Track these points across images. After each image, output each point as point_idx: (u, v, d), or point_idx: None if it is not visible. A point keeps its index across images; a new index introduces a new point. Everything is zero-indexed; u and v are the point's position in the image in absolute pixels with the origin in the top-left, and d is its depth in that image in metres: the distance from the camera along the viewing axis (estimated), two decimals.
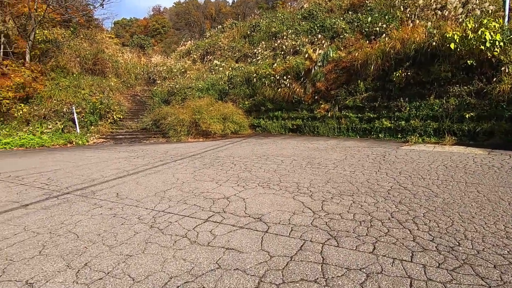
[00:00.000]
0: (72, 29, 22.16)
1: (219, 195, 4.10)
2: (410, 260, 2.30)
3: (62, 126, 13.46)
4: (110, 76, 19.11)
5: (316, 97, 13.54)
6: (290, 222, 3.09)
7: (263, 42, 19.92)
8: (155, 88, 19.57)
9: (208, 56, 24.54)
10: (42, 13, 16.50)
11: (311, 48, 14.91)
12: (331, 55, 13.47)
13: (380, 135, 11.03)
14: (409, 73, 10.64)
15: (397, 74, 10.81)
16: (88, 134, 13.07)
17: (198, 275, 2.14)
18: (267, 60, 17.80)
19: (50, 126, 13.33)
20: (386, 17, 13.94)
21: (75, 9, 28.36)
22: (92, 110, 14.34)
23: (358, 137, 11.57)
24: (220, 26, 31.76)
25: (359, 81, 12.02)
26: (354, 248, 2.50)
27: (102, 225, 3.11)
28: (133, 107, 17.23)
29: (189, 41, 32.42)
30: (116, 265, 2.29)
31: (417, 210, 3.37)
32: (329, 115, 12.62)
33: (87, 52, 19.38)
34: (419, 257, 2.34)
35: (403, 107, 10.64)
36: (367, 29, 14.47)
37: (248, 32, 24.08)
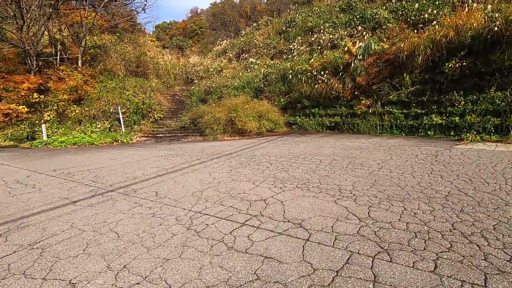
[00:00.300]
0: (118, 34, 23.73)
1: (256, 197, 3.96)
2: (483, 284, 1.93)
3: (109, 126, 14.42)
4: (151, 77, 20.06)
5: (356, 93, 12.81)
6: (333, 230, 2.83)
7: (299, 38, 19.43)
8: (193, 87, 20.13)
9: (243, 54, 24.61)
10: (91, 20, 17.81)
11: (350, 41, 14.14)
12: (372, 47, 12.63)
13: (429, 132, 10.08)
14: (464, 63, 9.54)
15: (449, 65, 9.76)
16: (131, 133, 13.82)
17: (236, 287, 2.00)
18: (303, 56, 17.32)
19: (99, 126, 14.35)
20: (436, 2, 12.69)
21: (121, 16, 30.27)
22: (135, 110, 15.16)
23: (404, 134, 10.70)
24: (255, 24, 31.71)
25: (404, 74, 11.10)
26: (411, 265, 2.18)
27: (141, 225, 3.14)
28: (173, 106, 17.89)
29: (225, 40, 32.91)
30: (154, 269, 2.25)
31: (485, 221, 2.90)
32: (370, 112, 11.86)
33: (131, 55, 20.59)
34: (495, 281, 1.95)
35: (457, 101, 9.58)
36: (413, 18, 13.33)
37: (284, 28, 23.69)
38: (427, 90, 10.48)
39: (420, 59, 10.60)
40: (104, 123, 14.51)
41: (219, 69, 22.79)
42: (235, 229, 2.94)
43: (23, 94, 14.55)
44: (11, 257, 2.50)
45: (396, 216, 3.11)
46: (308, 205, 3.54)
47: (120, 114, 14.35)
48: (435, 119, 9.95)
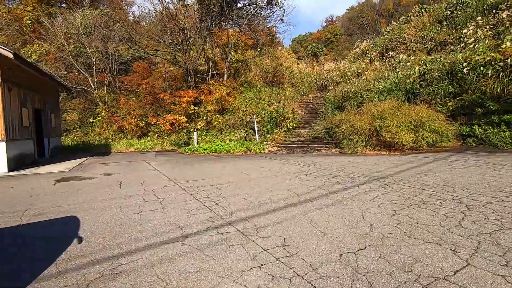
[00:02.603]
0: (259, 49, 25.32)
1: None
2: None
3: (245, 134, 14.84)
4: (285, 86, 19.90)
5: None
6: None
7: (479, 18, 14.37)
8: (328, 94, 18.50)
9: (388, 53, 20.98)
10: (236, 36, 19.40)
11: None
12: None
13: None
14: None
15: None
16: (264, 142, 13.62)
17: None
18: (482, 42, 12.50)
19: (237, 134, 15.01)
20: None
21: (262, 32, 32.54)
22: (269, 119, 15.03)
23: None
24: (403, 17, 26.89)
25: None
26: None
27: None
28: (306, 114, 16.88)
29: (365, 41, 29.58)
30: None
31: None
32: None
33: (268, 67, 21.28)
34: None
35: None
36: None
37: (448, 13, 18.55)
38: None
39: None
40: (241, 131, 15.06)
41: (358, 72, 20.20)
42: None
43: (183, 106, 17.11)
44: None
45: None
46: None
47: (255, 123, 14.49)
48: None
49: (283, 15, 19.84)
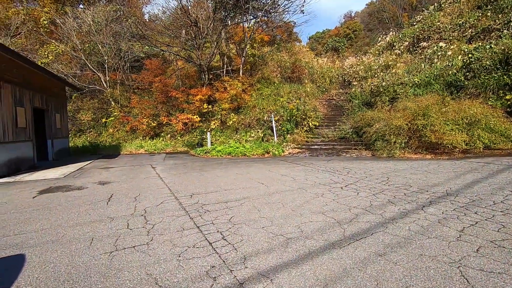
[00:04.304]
0: (276, 45, 23.93)
1: None
2: None
3: (262, 135, 13.49)
4: (306, 82, 18.40)
5: None
6: None
7: None
8: (353, 89, 16.80)
9: (420, 44, 19.01)
10: (251, 30, 18.08)
11: None
12: None
13: None
14: None
15: None
16: (284, 143, 12.23)
17: None
18: None
19: (253, 135, 13.69)
20: None
21: (280, 28, 31.07)
22: (288, 118, 13.61)
23: None
24: (436, 4, 24.63)
25: None
26: None
27: None
28: (329, 112, 15.30)
29: (391, 32, 27.44)
30: None
31: None
32: None
33: (286, 62, 19.86)
34: None
35: None
36: None
37: None
38: None
39: None
40: (258, 131, 13.74)
41: (385, 65, 18.34)
42: None
43: (197, 105, 16.02)
44: None
45: None
46: None
47: (274, 122, 13.12)
48: None
49: (303, 5, 18.28)
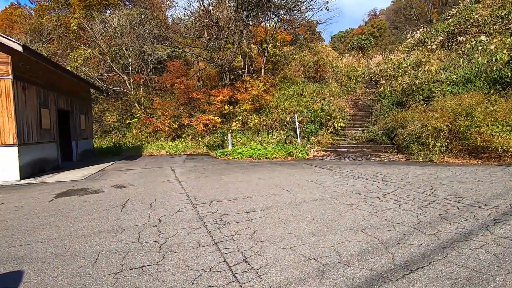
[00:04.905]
0: (298, 44, 23.31)
1: None
2: None
3: (285, 136, 12.95)
4: (330, 81, 17.62)
5: None
6: None
7: None
8: (381, 89, 15.81)
9: (456, 38, 17.63)
10: (273, 29, 17.59)
11: None
12: None
13: None
14: None
15: None
16: (308, 146, 11.61)
17: None
18: None
19: (275, 136, 13.18)
20: None
21: (302, 27, 30.34)
22: (313, 119, 12.96)
23: None
24: None
25: None
26: None
27: None
28: (355, 113, 14.46)
29: (421, 28, 25.87)
30: None
31: None
32: None
33: (310, 61, 19.18)
34: None
35: None
36: None
37: None
38: None
39: None
40: (280, 133, 13.21)
41: (416, 62, 17.15)
42: None
43: (218, 106, 15.77)
44: None
45: None
46: None
47: (297, 123, 12.53)
48: None
49: (327, 1, 17.52)
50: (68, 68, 18.89)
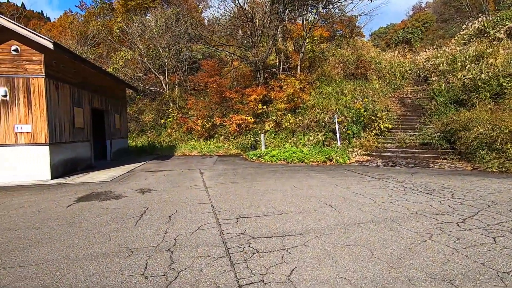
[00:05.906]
0: (337, 41, 21.88)
1: None
2: None
3: (323, 138, 11.88)
4: (373, 78, 16.06)
5: None
6: None
7: None
8: (434, 85, 13.96)
9: None
10: (311, 24, 16.49)
11: None
12: None
13: None
14: None
15: None
16: (349, 149, 10.45)
17: None
18: None
19: (312, 138, 12.16)
20: None
21: (341, 23, 28.59)
22: (354, 119, 11.71)
23: None
24: None
25: None
26: None
27: None
28: (403, 113, 12.88)
29: (480, 17, 22.87)
30: None
31: None
32: None
33: (350, 58, 17.76)
34: None
35: None
36: None
37: None
38: None
39: None
40: (317, 134, 12.15)
41: (477, 55, 14.91)
42: None
43: (251, 105, 15.14)
44: None
45: None
46: None
47: (337, 124, 11.39)
48: None
49: None
50: (110, 69, 19.62)
